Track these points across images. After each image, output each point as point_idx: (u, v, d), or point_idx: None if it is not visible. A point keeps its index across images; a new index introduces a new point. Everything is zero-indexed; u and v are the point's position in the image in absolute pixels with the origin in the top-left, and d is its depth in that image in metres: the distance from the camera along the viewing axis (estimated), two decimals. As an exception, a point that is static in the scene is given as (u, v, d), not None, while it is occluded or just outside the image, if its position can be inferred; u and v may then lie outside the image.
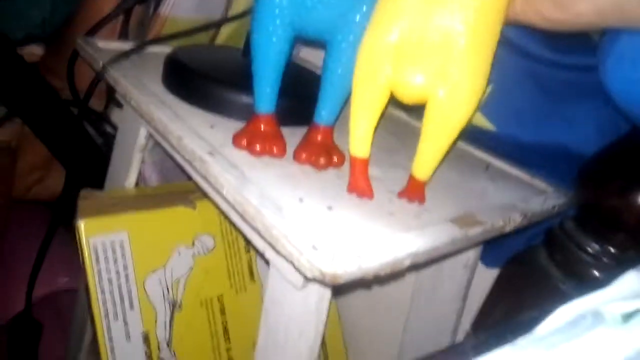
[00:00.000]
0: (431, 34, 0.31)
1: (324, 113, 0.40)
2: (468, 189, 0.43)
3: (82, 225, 0.49)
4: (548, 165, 0.45)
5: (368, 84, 0.33)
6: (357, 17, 0.35)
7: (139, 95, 0.44)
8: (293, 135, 0.43)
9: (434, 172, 0.36)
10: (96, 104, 0.64)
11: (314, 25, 0.37)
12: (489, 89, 0.46)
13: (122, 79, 0.47)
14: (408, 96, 0.33)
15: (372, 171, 0.41)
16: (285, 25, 0.37)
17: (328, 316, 0.34)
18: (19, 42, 0.62)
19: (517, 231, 0.38)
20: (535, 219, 0.39)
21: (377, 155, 0.44)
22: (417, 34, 0.31)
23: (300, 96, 0.45)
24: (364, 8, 0.35)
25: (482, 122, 0.47)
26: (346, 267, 0.27)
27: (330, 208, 0.34)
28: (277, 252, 0.30)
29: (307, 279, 0.29)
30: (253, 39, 0.38)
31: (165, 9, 0.59)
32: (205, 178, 0.36)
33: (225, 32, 0.66)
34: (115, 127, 0.64)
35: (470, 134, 0.49)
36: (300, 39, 0.40)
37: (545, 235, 0.39)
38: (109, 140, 0.65)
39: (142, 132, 0.52)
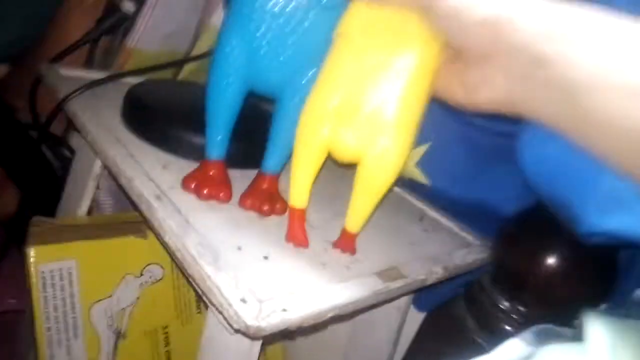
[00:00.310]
0: (365, 103, 0.34)
1: (270, 163, 0.43)
2: (401, 238, 0.46)
3: (32, 252, 0.50)
4: (475, 221, 0.48)
5: (307, 142, 0.36)
6: (304, 81, 0.39)
7: (95, 132, 0.46)
8: (243, 178, 0.46)
9: (371, 220, 0.39)
10: (56, 127, 0.65)
11: (266, 84, 0.40)
12: (426, 147, 0.50)
13: (80, 112, 0.49)
14: (342, 156, 0.36)
15: (314, 219, 0.44)
16: (238, 82, 0.40)
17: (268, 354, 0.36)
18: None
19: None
20: (457, 272, 0.43)
21: (321, 202, 0.47)
22: (353, 102, 0.34)
23: (253, 141, 0.47)
24: (310, 73, 0.38)
25: (418, 176, 0.51)
26: (270, 320, 0.30)
27: (266, 257, 0.37)
28: (210, 301, 0.32)
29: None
30: (208, 90, 0.41)
31: (131, 41, 0.61)
32: (150, 221, 0.39)
33: (188, 67, 0.68)
34: (73, 151, 0.65)
35: (409, 184, 0.53)
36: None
37: (465, 288, 0.43)
38: (66, 164, 0.65)
39: (98, 162, 0.53)
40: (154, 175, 0.43)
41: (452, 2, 0.29)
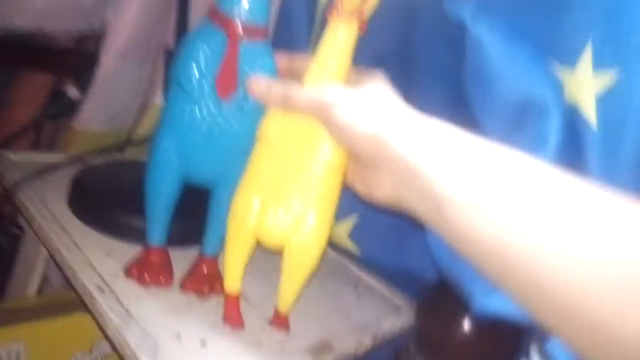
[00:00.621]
0: (285, 196, 0.38)
1: (208, 247, 0.46)
2: (335, 307, 0.50)
3: (-21, 337, 0.51)
4: (405, 285, 0.53)
5: (236, 232, 0.40)
6: (233, 175, 0.42)
7: (40, 222, 0.48)
8: (185, 257, 0.49)
9: (307, 288, 0.42)
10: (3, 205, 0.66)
11: (198, 178, 0.44)
12: (354, 219, 0.54)
13: (27, 202, 0.51)
14: (268, 243, 0.40)
15: (253, 295, 0.47)
16: (173, 177, 0.43)
17: None
18: None
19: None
20: (386, 339, 0.47)
21: (261, 277, 0.50)
22: (275, 195, 0.39)
23: (191, 221, 0.50)
24: (238, 168, 0.42)
25: (350, 246, 0.55)
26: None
27: (203, 343, 0.40)
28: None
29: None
30: (146, 184, 0.44)
31: (77, 123, 0.64)
32: (92, 313, 0.41)
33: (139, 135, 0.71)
34: (21, 229, 0.66)
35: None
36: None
37: (394, 354, 0.47)
38: (15, 241, 0.67)
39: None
40: (97, 263, 0.45)
41: (341, 119, 0.34)
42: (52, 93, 0.64)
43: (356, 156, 0.36)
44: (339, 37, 0.37)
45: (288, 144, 0.38)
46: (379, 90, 0.36)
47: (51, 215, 0.50)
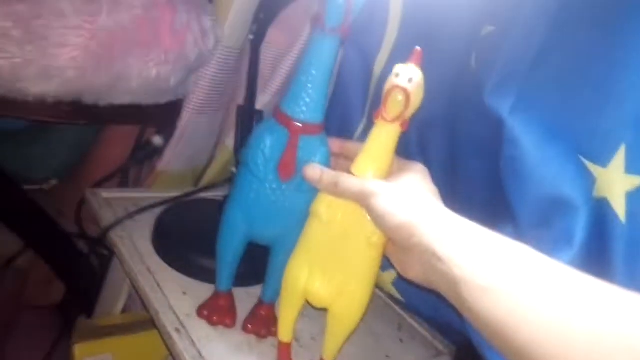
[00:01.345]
0: (332, 264, 0.44)
1: (267, 294, 0.54)
2: (378, 350, 0.56)
3: (76, 348, 0.62)
4: (445, 332, 0.58)
5: (288, 292, 0.47)
6: (289, 239, 0.49)
7: (130, 263, 0.57)
8: (248, 295, 0.56)
9: (352, 337, 0.47)
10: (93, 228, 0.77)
11: (261, 239, 0.51)
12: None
13: (118, 242, 0.60)
14: (315, 303, 0.46)
15: (305, 336, 0.54)
16: (240, 239, 0.50)
17: None
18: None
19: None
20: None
21: (312, 322, 0.57)
22: (323, 262, 0.45)
23: (254, 267, 0.58)
24: (294, 234, 0.48)
25: (395, 293, 0.61)
26: None
27: (260, 385, 0.47)
28: None
29: None
30: (217, 243, 0.52)
31: (160, 165, 0.73)
32: (170, 350, 0.49)
33: (208, 178, 0.80)
34: (110, 250, 0.77)
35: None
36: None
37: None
38: (104, 261, 0.77)
39: (131, 277, 0.65)
40: (175, 302, 0.54)
41: (379, 208, 0.39)
42: (139, 141, 0.74)
43: (393, 240, 0.41)
44: (383, 137, 0.43)
45: (336, 221, 0.44)
46: (416, 183, 0.42)
47: (138, 256, 0.59)
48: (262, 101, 0.77)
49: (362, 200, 0.41)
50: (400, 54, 0.60)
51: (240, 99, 0.78)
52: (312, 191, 0.46)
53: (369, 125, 0.63)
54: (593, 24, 0.44)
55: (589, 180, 0.42)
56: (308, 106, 0.44)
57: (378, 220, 0.40)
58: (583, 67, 0.44)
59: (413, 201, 0.40)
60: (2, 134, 0.71)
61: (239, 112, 0.66)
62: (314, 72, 0.43)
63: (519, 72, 0.45)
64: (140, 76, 0.51)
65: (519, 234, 0.45)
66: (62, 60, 0.46)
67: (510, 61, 0.45)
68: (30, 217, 0.68)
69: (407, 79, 0.40)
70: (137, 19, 0.48)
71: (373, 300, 0.47)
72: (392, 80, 0.41)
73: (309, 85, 0.44)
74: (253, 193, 0.47)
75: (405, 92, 0.40)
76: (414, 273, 0.41)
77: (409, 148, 0.60)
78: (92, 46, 0.46)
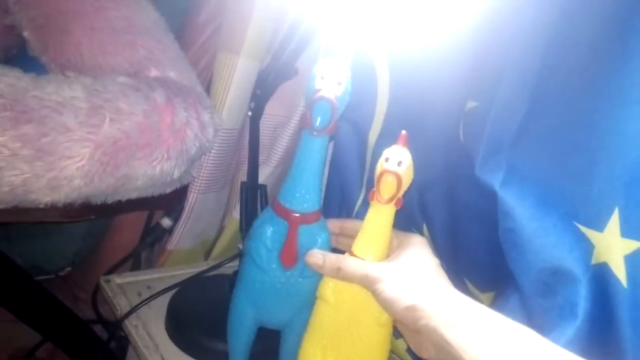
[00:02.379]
0: (343, 344, 0.45)
1: (284, 373, 0.54)
2: None
3: None
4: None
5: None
6: (298, 321, 0.49)
7: (145, 355, 0.58)
8: None
9: None
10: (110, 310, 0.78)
11: (271, 324, 0.52)
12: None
13: (133, 332, 0.61)
14: None
15: None
16: (249, 325, 0.51)
17: None
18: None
19: None
20: None
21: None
22: (334, 344, 0.45)
23: (269, 346, 0.58)
24: (302, 316, 0.49)
25: (408, 358, 0.61)
26: None
27: None
28: None
29: None
30: (227, 330, 0.52)
31: (170, 245, 0.75)
32: None
33: (217, 251, 0.82)
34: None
35: None
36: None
37: None
38: (122, 344, 0.78)
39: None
40: (192, 391, 0.54)
41: (385, 294, 0.40)
42: (148, 224, 0.76)
43: (402, 323, 0.42)
44: (380, 217, 0.44)
45: (344, 303, 0.45)
46: (418, 260, 0.43)
47: (153, 345, 0.60)
48: (264, 173, 0.80)
49: (366, 285, 0.42)
50: (391, 125, 0.62)
51: (244, 171, 0.81)
52: (316, 275, 0.47)
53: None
54: (575, 91, 0.45)
55: (588, 247, 0.43)
56: (304, 197, 0.46)
57: (385, 305, 0.41)
58: (568, 133, 0.45)
59: (418, 283, 0.41)
60: (17, 229, 0.74)
61: (243, 188, 0.68)
62: (307, 167, 0.46)
63: (504, 145, 0.47)
64: (145, 175, 0.53)
65: (524, 304, 0.46)
66: (69, 170, 0.48)
67: (494, 134, 0.47)
68: (46, 310, 0.69)
69: (397, 162, 0.43)
70: (138, 125, 0.50)
71: None
72: (383, 164, 0.43)
73: (304, 179, 0.46)
74: (258, 283, 0.48)
75: (396, 175, 0.42)
76: (427, 353, 0.41)
77: (411, 208, 0.61)
78: (97, 155, 0.49)
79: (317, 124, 0.44)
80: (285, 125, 0.80)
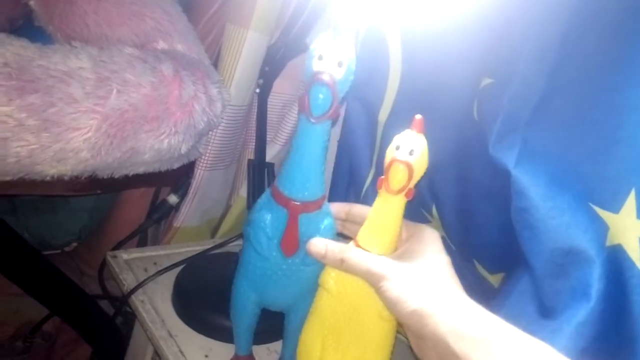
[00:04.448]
0: (345, 334, 0.44)
1: (287, 355, 0.54)
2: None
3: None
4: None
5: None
6: (301, 305, 0.48)
7: (152, 329, 0.58)
8: (269, 352, 0.57)
9: None
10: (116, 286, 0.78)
11: (273, 306, 0.51)
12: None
13: (140, 307, 0.61)
14: None
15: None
16: (251, 307, 0.50)
17: None
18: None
19: None
20: None
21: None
22: (336, 333, 0.44)
23: (274, 324, 0.58)
24: (305, 302, 0.48)
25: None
26: None
27: None
28: None
29: None
30: (231, 312, 0.52)
31: (177, 222, 0.74)
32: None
33: (225, 228, 0.81)
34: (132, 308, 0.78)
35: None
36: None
37: None
38: (128, 319, 0.78)
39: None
40: (198, 367, 0.54)
41: (389, 293, 0.37)
42: (155, 200, 0.76)
43: (405, 326, 0.39)
44: (388, 208, 0.41)
45: (346, 294, 0.43)
46: (428, 260, 0.40)
47: (159, 320, 0.60)
48: (272, 151, 0.79)
49: (370, 281, 0.40)
50: (403, 103, 0.61)
51: (251, 149, 0.80)
52: (318, 263, 0.45)
53: (378, 175, 0.64)
54: (594, 68, 0.44)
55: (602, 228, 0.42)
56: (304, 185, 0.43)
57: (389, 305, 0.38)
58: (586, 112, 0.44)
59: (425, 286, 0.38)
60: (23, 203, 0.74)
61: (250, 166, 0.67)
62: (306, 154, 0.42)
63: (521, 123, 0.45)
64: (152, 149, 0.52)
65: (535, 285, 0.45)
66: (76, 142, 0.48)
67: (511, 112, 0.46)
68: (53, 285, 0.69)
69: (408, 151, 0.39)
70: (145, 97, 0.49)
71: (397, 346, 0.46)
72: (393, 153, 0.40)
73: (304, 166, 0.42)
74: (259, 269, 0.47)
75: (407, 165, 0.39)
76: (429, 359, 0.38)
77: (420, 189, 0.60)
78: (104, 127, 0.48)
79: (315, 111, 0.39)
80: (293, 104, 0.79)
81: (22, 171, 0.49)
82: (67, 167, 0.49)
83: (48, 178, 0.51)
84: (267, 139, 0.70)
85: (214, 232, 0.83)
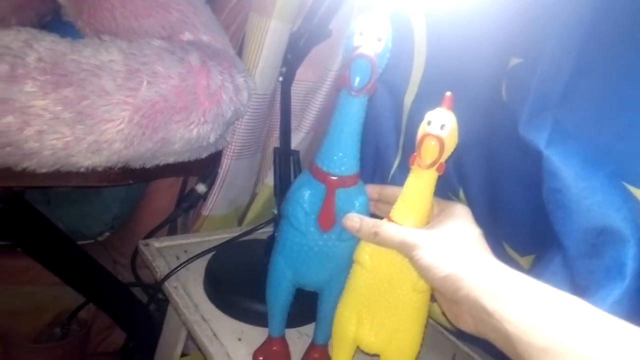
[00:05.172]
0: (380, 310, 0.45)
1: (319, 337, 0.55)
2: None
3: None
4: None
5: (339, 340, 0.48)
6: (336, 284, 0.50)
7: (186, 314, 0.60)
8: (299, 335, 0.58)
9: None
10: (148, 273, 0.80)
11: (307, 285, 0.52)
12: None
13: (173, 293, 0.63)
14: (366, 349, 0.47)
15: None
16: (287, 286, 0.51)
17: None
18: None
19: None
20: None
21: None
22: (371, 309, 0.45)
23: (305, 308, 0.59)
24: (339, 279, 0.49)
25: (446, 323, 0.60)
26: None
27: None
28: None
29: None
30: (266, 292, 0.53)
31: (205, 211, 0.76)
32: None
33: (251, 215, 0.82)
34: (166, 296, 0.80)
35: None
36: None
37: None
38: (161, 306, 0.80)
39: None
40: (231, 350, 0.55)
41: (423, 261, 0.39)
42: (183, 189, 0.77)
43: (439, 292, 0.40)
44: (420, 183, 0.43)
45: (380, 268, 0.44)
46: (459, 229, 0.41)
47: (193, 305, 0.61)
48: (296, 139, 0.79)
49: (404, 251, 0.41)
50: (428, 85, 0.60)
51: (276, 137, 0.81)
52: (353, 239, 0.46)
53: (405, 160, 0.64)
54: (625, 45, 0.43)
55: (636, 207, 0.42)
56: (342, 160, 0.45)
57: (422, 272, 0.39)
58: (619, 89, 0.43)
59: (458, 252, 0.39)
60: (57, 194, 0.76)
61: (276, 154, 0.68)
62: (345, 129, 0.44)
63: (551, 102, 0.45)
64: (182, 139, 0.53)
65: (568, 264, 0.45)
66: (109, 134, 0.49)
67: (541, 92, 0.45)
68: (89, 274, 0.71)
69: (440, 125, 0.41)
70: (175, 88, 0.50)
71: (425, 330, 0.47)
72: (425, 127, 0.41)
73: (342, 141, 0.44)
74: (296, 246, 0.48)
75: (439, 139, 0.41)
76: (465, 324, 0.39)
77: (447, 171, 0.60)
78: (136, 118, 0.49)
79: (356, 83, 0.42)
80: (316, 91, 0.79)
81: (58, 163, 0.50)
82: (101, 158, 0.50)
83: (82, 169, 0.52)
84: (291, 127, 0.70)
85: (240, 220, 0.84)
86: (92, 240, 0.83)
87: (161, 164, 0.57)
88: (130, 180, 0.61)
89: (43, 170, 0.51)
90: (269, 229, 0.74)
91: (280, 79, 0.66)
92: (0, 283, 0.74)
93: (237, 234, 0.74)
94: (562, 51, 0.45)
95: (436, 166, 0.42)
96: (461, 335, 0.63)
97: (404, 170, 0.64)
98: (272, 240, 0.68)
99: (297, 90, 0.78)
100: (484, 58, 0.51)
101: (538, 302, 0.34)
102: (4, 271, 0.74)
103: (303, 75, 0.76)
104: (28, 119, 0.47)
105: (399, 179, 0.63)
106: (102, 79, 0.48)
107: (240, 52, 0.67)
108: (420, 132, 0.42)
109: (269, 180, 0.81)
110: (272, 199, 0.81)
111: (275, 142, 0.81)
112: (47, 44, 0.48)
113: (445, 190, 0.62)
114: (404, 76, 0.60)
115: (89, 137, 0.49)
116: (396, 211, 0.44)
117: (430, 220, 0.44)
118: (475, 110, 0.52)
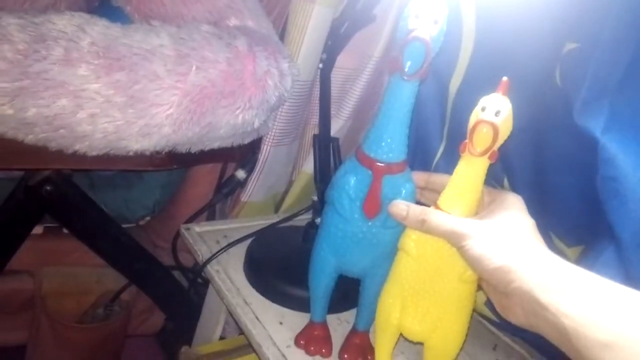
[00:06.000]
0: (424, 298, 0.44)
1: (360, 323, 0.55)
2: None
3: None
4: (542, 349, 0.56)
5: (382, 328, 0.48)
6: (379, 271, 0.49)
7: (228, 297, 0.61)
8: (339, 321, 0.58)
9: None
10: (187, 257, 0.82)
11: (350, 272, 0.52)
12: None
13: (215, 277, 0.64)
14: (410, 337, 0.47)
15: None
16: (329, 272, 0.51)
17: None
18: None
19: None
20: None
21: (410, 348, 0.57)
22: (415, 297, 0.45)
23: (345, 294, 0.59)
24: (383, 267, 0.49)
25: (488, 313, 0.60)
26: None
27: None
28: None
29: None
30: (309, 277, 0.53)
31: (244, 197, 0.76)
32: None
33: (288, 202, 0.83)
34: (205, 280, 0.81)
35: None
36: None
37: None
38: (199, 290, 0.82)
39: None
40: (274, 333, 0.56)
41: (473, 252, 0.38)
42: (223, 175, 0.78)
43: (490, 283, 0.40)
44: (471, 171, 0.42)
45: (426, 256, 0.44)
46: (511, 219, 0.40)
47: (235, 288, 0.62)
48: (335, 126, 0.79)
49: (453, 241, 0.40)
50: (475, 72, 0.59)
51: (313, 125, 0.81)
52: (399, 226, 0.46)
53: (449, 147, 0.63)
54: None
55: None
56: (390, 147, 0.44)
57: (473, 263, 0.39)
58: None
59: (510, 243, 0.38)
60: (100, 178, 0.78)
61: (315, 142, 0.68)
62: (394, 114, 0.43)
63: (609, 89, 0.44)
64: (228, 124, 0.54)
65: (622, 255, 0.44)
66: (159, 118, 0.50)
67: (598, 78, 0.44)
68: (132, 256, 0.73)
69: (494, 112, 0.40)
70: (223, 73, 0.51)
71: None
72: (479, 114, 0.40)
73: (391, 127, 0.44)
74: (340, 232, 0.48)
75: (493, 126, 0.39)
76: (515, 317, 0.38)
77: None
78: (185, 103, 0.50)
79: (408, 67, 0.41)
80: (355, 79, 0.79)
81: (109, 146, 0.52)
82: (150, 142, 0.51)
83: (131, 153, 0.53)
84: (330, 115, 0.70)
85: (277, 207, 0.85)
86: (134, 224, 0.85)
87: (206, 149, 0.57)
88: (175, 165, 0.62)
89: (93, 153, 0.52)
90: (307, 216, 0.74)
91: (320, 65, 0.66)
92: (48, 264, 0.76)
93: (275, 220, 0.75)
94: (621, 36, 0.43)
95: (488, 154, 0.41)
96: (502, 326, 0.62)
97: (449, 160, 0.63)
98: (310, 227, 0.69)
99: (335, 77, 0.77)
100: (537, 42, 0.50)
101: (596, 294, 0.33)
102: (52, 253, 0.76)
103: (341, 62, 0.75)
104: (81, 102, 0.48)
105: (443, 168, 0.63)
106: (154, 64, 0.49)
107: (281, 38, 0.68)
108: (473, 118, 0.41)
109: (306, 167, 0.81)
110: (309, 186, 0.82)
111: (312, 129, 0.81)
112: (100, 29, 0.49)
113: (489, 179, 0.61)
114: (450, 62, 0.59)
115: (140, 120, 0.49)
116: (444, 199, 0.43)
117: (480, 209, 0.44)
118: (525, 96, 0.51)
